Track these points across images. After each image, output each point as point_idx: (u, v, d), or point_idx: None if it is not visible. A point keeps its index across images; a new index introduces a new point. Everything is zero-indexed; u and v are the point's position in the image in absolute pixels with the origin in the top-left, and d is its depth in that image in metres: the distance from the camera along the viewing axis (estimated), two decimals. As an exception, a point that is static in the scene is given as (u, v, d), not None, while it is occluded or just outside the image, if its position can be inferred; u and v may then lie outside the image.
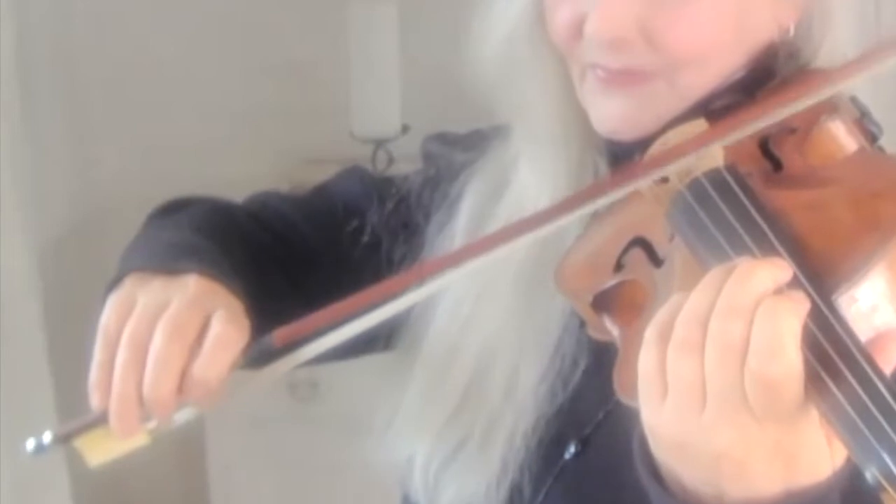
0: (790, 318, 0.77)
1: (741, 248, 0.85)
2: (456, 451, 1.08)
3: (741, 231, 0.87)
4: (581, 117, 1.06)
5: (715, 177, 0.92)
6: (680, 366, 0.79)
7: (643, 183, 0.95)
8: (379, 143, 2.37)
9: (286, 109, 2.48)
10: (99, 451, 0.92)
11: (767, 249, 0.84)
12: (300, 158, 2.43)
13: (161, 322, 0.92)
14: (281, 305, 0.98)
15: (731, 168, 0.93)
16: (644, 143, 1.02)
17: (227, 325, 0.93)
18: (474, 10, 1.08)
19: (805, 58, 1.04)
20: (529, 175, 1.09)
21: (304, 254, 1.15)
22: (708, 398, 0.78)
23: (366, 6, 2.34)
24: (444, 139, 1.21)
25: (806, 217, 0.88)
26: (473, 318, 1.08)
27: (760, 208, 0.89)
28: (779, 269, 0.80)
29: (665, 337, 0.80)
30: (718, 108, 1.01)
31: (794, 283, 0.80)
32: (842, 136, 0.95)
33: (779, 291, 0.79)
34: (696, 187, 0.93)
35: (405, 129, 2.37)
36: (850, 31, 1.04)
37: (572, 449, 1.04)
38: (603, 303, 0.97)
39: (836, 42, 1.03)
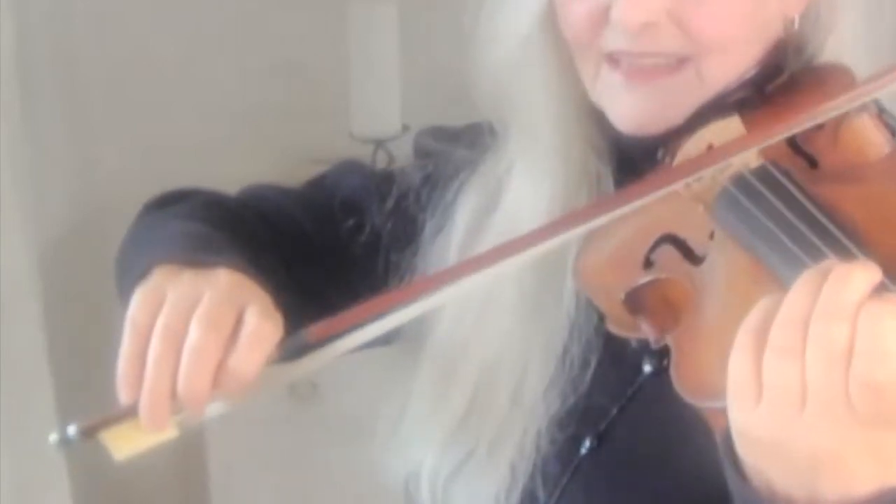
0: (894, 321, 0.77)
1: (808, 246, 0.86)
2: (464, 460, 1.08)
3: (803, 227, 0.87)
4: (583, 124, 1.06)
5: (762, 173, 0.93)
6: (779, 370, 0.79)
7: (681, 185, 0.95)
8: (379, 143, 2.37)
9: (286, 109, 2.48)
10: (125, 445, 0.91)
11: (838, 248, 0.85)
12: (300, 158, 2.42)
13: (196, 315, 0.91)
14: (283, 300, 0.98)
15: (776, 164, 0.93)
16: (658, 143, 1.02)
17: (263, 320, 0.92)
18: (476, 12, 1.08)
19: (810, 53, 1.04)
20: (526, 183, 1.08)
21: (303, 249, 1.14)
22: (808, 401, 0.78)
23: (366, 6, 2.34)
24: (439, 134, 1.20)
25: (860, 211, 0.88)
26: (479, 325, 1.08)
27: (817, 203, 0.89)
28: (872, 271, 0.80)
29: (761, 340, 0.79)
30: (751, 103, 1.01)
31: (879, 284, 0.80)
32: (870, 131, 0.96)
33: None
34: (744, 184, 0.93)
35: (405, 129, 2.37)
36: (855, 25, 1.04)
37: (587, 444, 1.04)
38: (636, 300, 0.97)
39: (841, 36, 1.04)
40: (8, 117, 2.17)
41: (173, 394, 0.90)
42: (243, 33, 2.48)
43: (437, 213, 1.13)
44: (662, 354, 1.02)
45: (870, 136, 0.96)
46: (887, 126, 0.99)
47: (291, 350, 0.93)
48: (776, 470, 0.81)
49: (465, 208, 1.12)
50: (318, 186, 1.21)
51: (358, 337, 0.94)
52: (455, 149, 1.15)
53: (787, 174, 0.93)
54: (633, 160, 1.05)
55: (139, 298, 0.94)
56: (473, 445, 1.08)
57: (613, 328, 1.01)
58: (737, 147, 0.95)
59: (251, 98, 2.49)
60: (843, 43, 1.05)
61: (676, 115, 1.02)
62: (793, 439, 0.79)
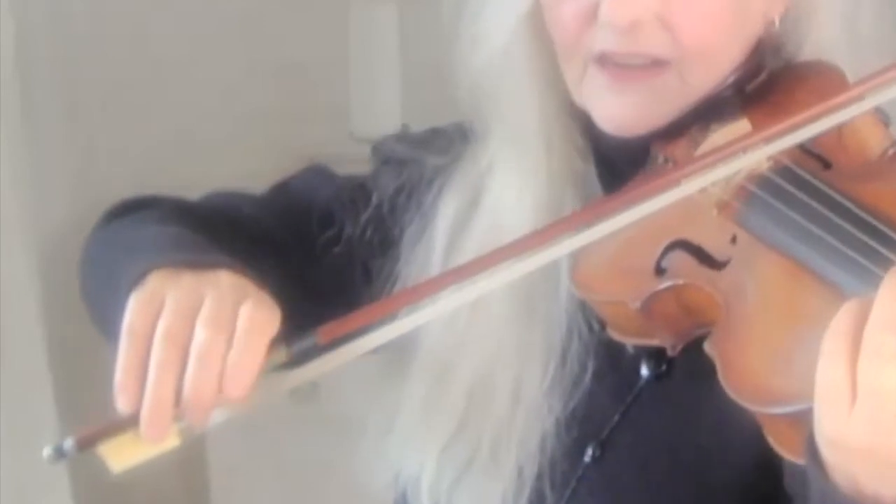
0: None
1: (860, 245, 0.86)
2: (466, 466, 1.06)
3: (850, 227, 0.87)
4: (564, 123, 1.06)
5: (790, 175, 0.92)
6: (878, 374, 0.78)
7: (696, 189, 0.94)
8: (379, 143, 2.37)
9: (286, 109, 2.48)
10: (124, 456, 0.85)
11: (892, 245, 0.85)
12: (300, 158, 2.42)
13: (201, 317, 0.86)
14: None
15: (800, 164, 0.93)
16: (641, 144, 1.02)
17: (258, 310, 0.87)
18: (457, 11, 1.08)
19: (789, 52, 1.04)
20: (508, 182, 1.08)
21: (275, 256, 1.11)
22: None
23: (366, 6, 2.34)
24: (405, 140, 1.19)
25: (890, 207, 0.88)
26: (471, 327, 1.06)
27: (855, 201, 0.89)
28: None
29: (853, 345, 0.79)
30: (758, 103, 1.01)
31: None
32: (872, 127, 0.96)
33: None
34: (773, 187, 0.92)
35: (405, 129, 2.36)
36: (833, 27, 1.05)
37: (590, 452, 1.04)
38: (651, 308, 0.96)
39: (821, 35, 1.04)
40: (8, 117, 2.17)
41: (177, 401, 0.85)
42: (243, 33, 2.48)
43: (416, 220, 1.12)
44: (660, 359, 1.02)
45: (872, 133, 0.97)
46: (883, 120, 0.99)
47: (300, 352, 0.90)
48: (868, 471, 0.80)
49: (445, 212, 1.11)
50: (284, 193, 1.17)
51: (370, 340, 0.90)
52: (427, 156, 1.14)
53: (814, 175, 0.92)
54: (614, 161, 1.05)
55: (136, 304, 0.89)
56: (475, 450, 1.06)
57: (618, 335, 1.00)
58: (762, 139, 0.94)
59: (251, 98, 2.49)
60: (822, 41, 1.05)
61: (661, 116, 1.02)
62: (889, 441, 0.78)
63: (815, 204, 0.90)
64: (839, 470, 0.82)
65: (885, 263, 0.85)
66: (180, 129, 2.50)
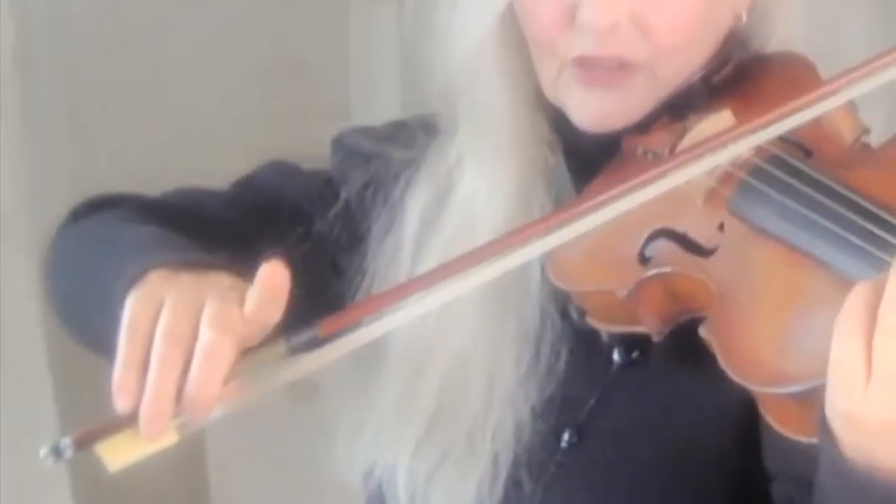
0: None
1: (858, 229, 0.88)
2: (442, 458, 1.07)
3: (847, 212, 0.89)
4: (535, 118, 1.07)
5: (780, 163, 0.94)
6: (892, 351, 0.80)
7: (682, 179, 0.94)
8: (379, 143, 2.37)
9: (286, 109, 2.48)
10: (121, 454, 0.85)
11: (888, 227, 0.87)
12: (300, 158, 2.42)
13: (206, 316, 0.86)
14: None
15: (789, 151, 0.94)
16: (612, 139, 1.03)
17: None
18: (427, 6, 1.09)
19: (756, 45, 1.06)
20: (479, 175, 1.08)
21: (245, 253, 1.11)
22: None
23: (366, 6, 2.34)
24: (369, 134, 1.19)
25: (876, 191, 0.90)
26: (443, 321, 1.07)
27: (848, 186, 0.90)
28: None
29: (868, 326, 0.81)
30: (734, 94, 1.02)
31: None
32: (847, 116, 0.98)
33: None
34: (765, 175, 0.93)
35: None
36: (801, 19, 1.06)
37: (566, 437, 1.04)
38: (636, 296, 0.96)
39: (788, 30, 1.06)
40: (8, 117, 2.17)
41: (177, 399, 0.86)
42: (244, 33, 2.48)
43: (384, 215, 1.12)
44: (632, 345, 1.02)
45: (847, 121, 0.98)
46: (854, 109, 1.00)
47: (299, 346, 0.90)
48: (884, 446, 0.82)
49: (414, 206, 1.11)
50: (251, 189, 1.18)
51: (371, 331, 0.91)
52: (392, 149, 1.15)
53: (804, 162, 0.93)
54: (584, 154, 1.06)
55: (136, 302, 0.89)
56: (449, 444, 1.07)
57: (600, 324, 1.01)
58: (748, 130, 0.94)
59: (251, 98, 2.49)
60: (790, 33, 1.07)
61: (636, 113, 1.04)
62: None
63: (810, 191, 0.91)
64: (852, 446, 0.83)
65: (886, 246, 0.87)
66: (180, 129, 2.50)
